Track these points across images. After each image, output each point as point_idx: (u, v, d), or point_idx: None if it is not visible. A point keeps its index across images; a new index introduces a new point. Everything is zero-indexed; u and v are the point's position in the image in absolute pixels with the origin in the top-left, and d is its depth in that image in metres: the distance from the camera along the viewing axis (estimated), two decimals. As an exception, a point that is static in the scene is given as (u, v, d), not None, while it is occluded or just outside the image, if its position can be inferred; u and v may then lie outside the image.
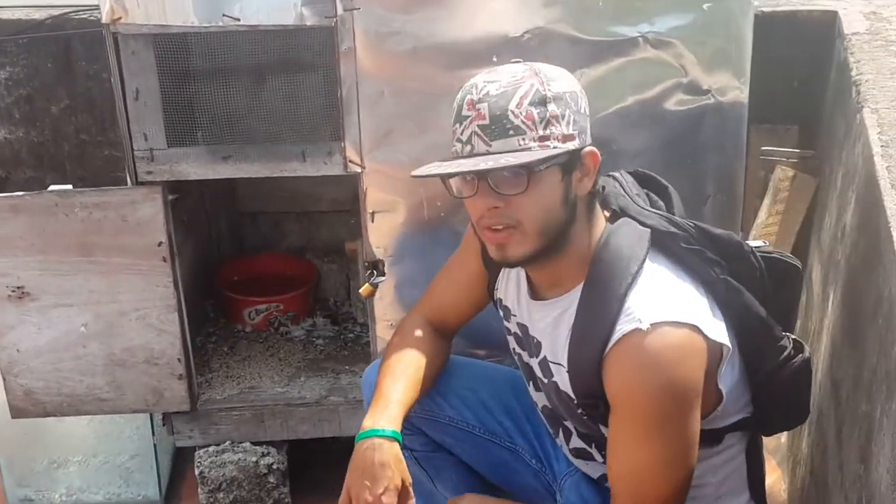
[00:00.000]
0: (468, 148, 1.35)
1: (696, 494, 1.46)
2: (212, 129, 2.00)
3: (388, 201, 1.99)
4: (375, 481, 1.48)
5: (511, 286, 1.60)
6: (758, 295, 1.47)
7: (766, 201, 2.77)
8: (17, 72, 2.98)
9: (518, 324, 1.59)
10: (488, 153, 1.33)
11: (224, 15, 1.85)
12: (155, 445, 2.34)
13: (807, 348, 1.52)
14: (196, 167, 1.98)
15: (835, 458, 1.63)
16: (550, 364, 1.50)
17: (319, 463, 2.43)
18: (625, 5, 1.87)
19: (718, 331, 1.39)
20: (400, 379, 1.60)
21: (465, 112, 1.36)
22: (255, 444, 2.24)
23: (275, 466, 2.24)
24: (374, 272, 2.04)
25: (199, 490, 2.24)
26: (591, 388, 1.39)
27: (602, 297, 1.38)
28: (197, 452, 2.24)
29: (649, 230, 1.43)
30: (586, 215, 1.43)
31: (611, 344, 1.35)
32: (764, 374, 1.48)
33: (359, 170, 1.96)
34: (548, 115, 1.33)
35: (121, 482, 2.39)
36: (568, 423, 1.56)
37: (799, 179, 2.69)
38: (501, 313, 1.65)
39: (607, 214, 1.48)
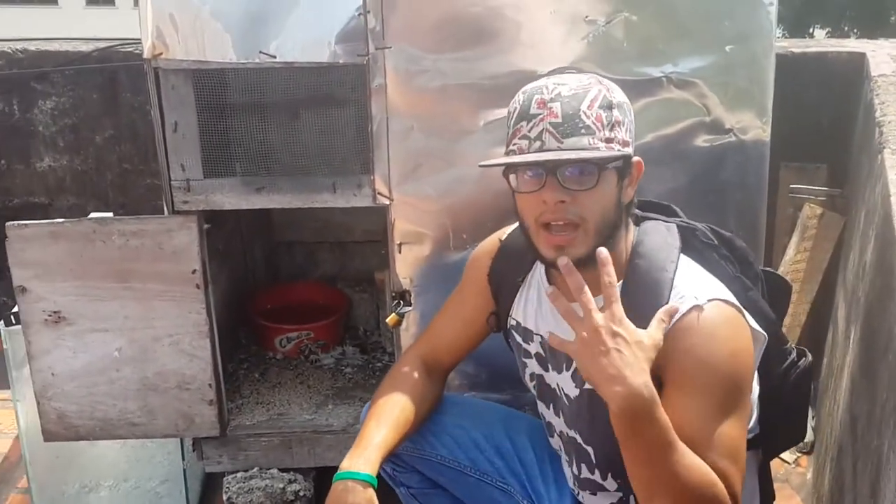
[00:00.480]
0: (538, 144, 1.40)
1: None
2: (247, 161, 2.07)
3: (415, 233, 2.04)
4: None
5: (531, 307, 1.62)
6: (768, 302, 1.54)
7: (795, 238, 2.78)
8: (64, 102, 3.10)
9: (542, 342, 1.60)
10: (559, 149, 1.38)
11: (261, 52, 1.92)
12: (185, 471, 2.37)
13: (808, 354, 1.58)
14: (231, 197, 2.04)
15: (850, 492, 1.64)
16: None
17: (345, 490, 2.46)
18: (649, 47, 1.91)
19: (752, 321, 1.45)
20: (384, 422, 1.62)
21: (534, 110, 1.40)
22: (282, 470, 2.27)
23: (301, 493, 2.27)
24: (401, 302, 2.08)
25: (226, 515, 2.28)
26: None
27: (648, 286, 1.43)
28: (225, 478, 2.27)
29: (675, 225, 1.51)
30: (626, 221, 1.49)
31: (670, 325, 1.37)
32: (773, 380, 1.53)
33: (387, 202, 2.02)
34: (613, 119, 1.40)
35: (151, 506, 2.43)
36: (588, 449, 1.55)
37: (827, 217, 2.70)
38: (519, 338, 1.66)
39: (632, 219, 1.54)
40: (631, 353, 1.31)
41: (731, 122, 1.96)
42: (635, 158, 1.46)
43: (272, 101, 2.09)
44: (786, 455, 2.54)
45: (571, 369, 1.54)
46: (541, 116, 1.39)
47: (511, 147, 1.44)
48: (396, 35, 1.91)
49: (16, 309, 2.11)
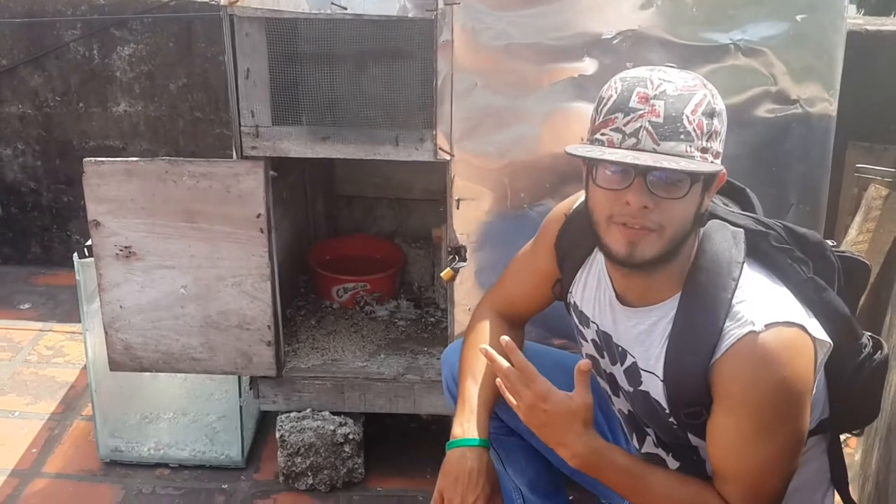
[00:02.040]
0: (632, 141, 1.32)
1: None
2: (314, 110, 2.12)
3: (474, 190, 2.07)
4: (467, 489, 1.57)
5: (589, 292, 1.60)
6: (841, 293, 1.48)
7: (858, 218, 2.74)
8: (141, 49, 3.19)
9: (598, 331, 1.58)
10: (654, 151, 1.31)
11: (333, 3, 1.96)
12: (241, 407, 2.45)
13: (885, 345, 1.52)
14: (297, 145, 2.10)
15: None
16: (642, 372, 1.49)
17: (393, 438, 2.54)
18: (718, 13, 1.90)
19: (818, 329, 1.40)
20: (480, 380, 1.66)
21: (634, 104, 1.32)
22: (334, 413, 2.35)
23: (351, 437, 2.34)
24: (456, 257, 2.12)
25: (278, 453, 2.36)
26: (695, 396, 1.40)
27: (706, 304, 1.38)
28: (279, 417, 2.35)
29: (742, 231, 1.44)
30: (697, 230, 1.43)
31: (723, 349, 1.36)
32: (845, 376, 1.49)
33: (448, 158, 2.05)
34: (713, 128, 1.34)
35: (206, 441, 2.52)
36: (648, 430, 1.57)
37: (892, 198, 2.65)
38: (576, 319, 1.66)
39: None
40: (563, 423, 1.44)
41: (797, 94, 1.95)
42: (722, 171, 1.38)
43: (341, 53, 2.13)
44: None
45: (626, 365, 1.53)
46: (641, 112, 1.32)
47: (598, 136, 1.36)
48: (465, -9, 1.93)
49: (89, 242, 2.20)
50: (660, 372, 1.44)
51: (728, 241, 1.42)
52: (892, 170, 2.70)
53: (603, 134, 1.35)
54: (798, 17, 1.89)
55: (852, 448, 2.53)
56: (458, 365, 1.73)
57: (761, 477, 1.40)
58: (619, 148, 1.33)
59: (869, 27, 2.80)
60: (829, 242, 1.51)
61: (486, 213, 2.09)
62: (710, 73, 1.92)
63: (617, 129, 1.33)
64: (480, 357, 1.62)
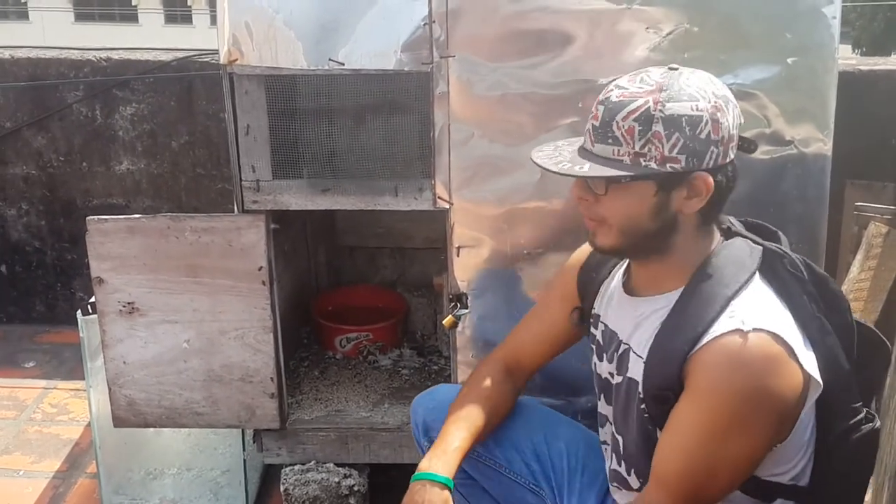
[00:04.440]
0: (583, 139, 1.45)
1: None
2: (313, 163, 2.15)
3: (474, 237, 2.09)
4: None
5: (606, 295, 1.64)
6: (847, 353, 1.45)
7: (859, 257, 2.74)
8: (143, 108, 3.23)
9: (602, 327, 1.61)
10: (590, 152, 1.42)
11: (330, 59, 2.00)
12: (245, 461, 2.44)
13: (878, 421, 1.47)
14: (298, 198, 2.12)
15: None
16: (631, 356, 1.50)
17: (399, 488, 2.50)
18: (710, 57, 1.93)
19: (812, 364, 1.38)
20: (463, 426, 1.67)
21: (592, 107, 1.44)
22: (338, 465, 2.33)
23: (356, 488, 2.33)
24: (458, 305, 2.13)
25: (283, 507, 2.35)
26: (668, 379, 1.40)
27: (705, 297, 1.40)
28: (283, 470, 2.34)
29: (761, 248, 1.46)
30: (695, 230, 1.45)
31: (706, 339, 1.36)
32: (833, 436, 1.45)
33: (447, 206, 2.07)
34: (650, 133, 1.37)
35: (211, 496, 2.50)
36: (619, 438, 1.57)
37: (892, 236, 2.66)
38: (592, 327, 1.67)
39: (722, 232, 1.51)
40: None
41: (791, 135, 1.97)
42: (698, 173, 1.39)
43: (339, 107, 2.17)
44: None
45: (620, 352, 1.55)
46: (592, 114, 1.43)
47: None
48: (460, 44, 1.97)
49: (92, 299, 2.21)
50: (644, 354, 1.46)
51: (744, 250, 1.45)
52: (892, 207, 2.71)
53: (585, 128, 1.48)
54: (789, 60, 1.93)
55: (863, 489, 2.50)
56: (448, 408, 1.73)
57: (698, 482, 1.38)
58: (581, 144, 1.46)
59: (862, 67, 2.84)
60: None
61: (487, 259, 2.10)
62: (703, 116, 1.96)
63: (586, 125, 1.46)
64: (470, 406, 1.68)
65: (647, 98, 1.38)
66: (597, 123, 1.41)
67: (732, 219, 1.56)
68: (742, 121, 1.45)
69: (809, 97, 1.95)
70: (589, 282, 1.68)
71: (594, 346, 1.66)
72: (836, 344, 1.44)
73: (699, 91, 1.39)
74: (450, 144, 2.03)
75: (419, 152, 2.10)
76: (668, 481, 1.40)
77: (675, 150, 1.37)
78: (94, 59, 3.23)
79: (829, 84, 1.95)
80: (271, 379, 2.24)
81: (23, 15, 26.77)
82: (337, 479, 2.31)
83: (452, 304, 2.13)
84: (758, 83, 1.94)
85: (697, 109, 1.37)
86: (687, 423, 1.38)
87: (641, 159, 1.38)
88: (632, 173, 1.39)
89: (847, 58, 3.43)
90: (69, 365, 3.21)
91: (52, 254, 3.46)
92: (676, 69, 1.43)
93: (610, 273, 1.66)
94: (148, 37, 22.58)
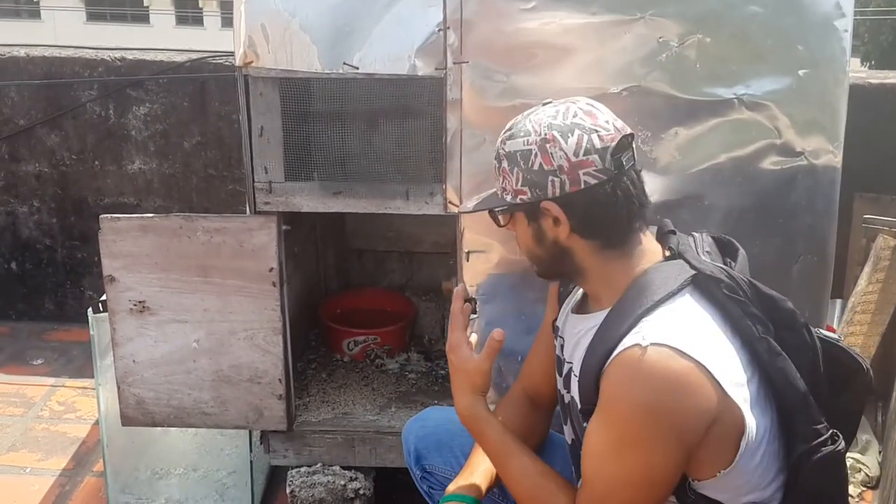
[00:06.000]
0: None
1: None
2: (326, 166, 2.16)
3: (484, 243, 2.09)
4: None
5: (566, 310, 1.65)
6: (805, 373, 1.42)
7: (867, 269, 2.75)
8: (156, 108, 3.25)
9: (561, 341, 1.62)
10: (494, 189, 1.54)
11: (345, 63, 2.01)
12: (251, 462, 2.45)
13: (841, 442, 1.44)
14: (309, 200, 2.13)
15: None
16: (572, 373, 1.53)
17: (404, 493, 2.51)
18: (721, 68, 1.94)
19: (732, 383, 1.35)
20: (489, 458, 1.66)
21: None
22: (344, 468, 2.34)
23: (361, 492, 2.34)
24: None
25: (288, 508, 2.35)
26: (590, 395, 1.42)
27: (622, 315, 1.40)
28: (289, 472, 2.35)
29: (693, 271, 1.44)
30: (599, 253, 1.46)
31: (613, 356, 1.37)
32: (796, 456, 1.42)
33: (457, 211, 2.08)
34: (500, 169, 1.49)
35: (217, 496, 2.51)
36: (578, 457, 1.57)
37: (900, 249, 2.67)
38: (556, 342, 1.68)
39: (667, 254, 1.49)
40: (458, 378, 1.57)
41: (801, 146, 1.98)
42: (544, 203, 1.43)
43: (352, 110, 2.18)
44: (850, 489, 2.50)
45: (564, 372, 1.57)
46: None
47: None
48: (474, 51, 1.98)
49: (103, 297, 2.22)
50: (578, 373, 1.49)
51: (671, 272, 1.44)
52: (900, 220, 2.72)
53: None
54: (801, 72, 1.93)
55: (868, 502, 2.51)
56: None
57: (601, 494, 1.40)
58: None
59: (872, 80, 2.85)
60: (833, 335, 1.50)
61: (496, 265, 2.11)
62: (715, 126, 1.97)
63: None
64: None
65: (500, 137, 1.50)
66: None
67: (699, 234, 1.55)
68: (600, 145, 1.40)
69: (820, 109, 1.96)
70: (564, 294, 1.70)
71: (556, 362, 1.67)
72: (787, 366, 1.41)
73: (535, 125, 1.44)
74: (461, 150, 2.04)
75: (431, 157, 2.12)
76: (579, 498, 1.44)
77: (520, 184, 1.46)
78: (108, 58, 3.25)
79: (839, 96, 1.95)
80: (279, 380, 2.25)
81: (34, 14, 26.89)
82: (343, 482, 2.32)
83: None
84: (769, 94, 1.95)
85: (527, 144, 1.44)
86: (591, 439, 1.41)
87: (504, 194, 1.49)
88: (494, 206, 1.51)
89: (857, 71, 3.44)
90: (77, 363, 3.22)
91: (63, 252, 3.48)
92: (549, 103, 1.49)
93: (574, 288, 1.67)
94: (159, 37, 22.69)
